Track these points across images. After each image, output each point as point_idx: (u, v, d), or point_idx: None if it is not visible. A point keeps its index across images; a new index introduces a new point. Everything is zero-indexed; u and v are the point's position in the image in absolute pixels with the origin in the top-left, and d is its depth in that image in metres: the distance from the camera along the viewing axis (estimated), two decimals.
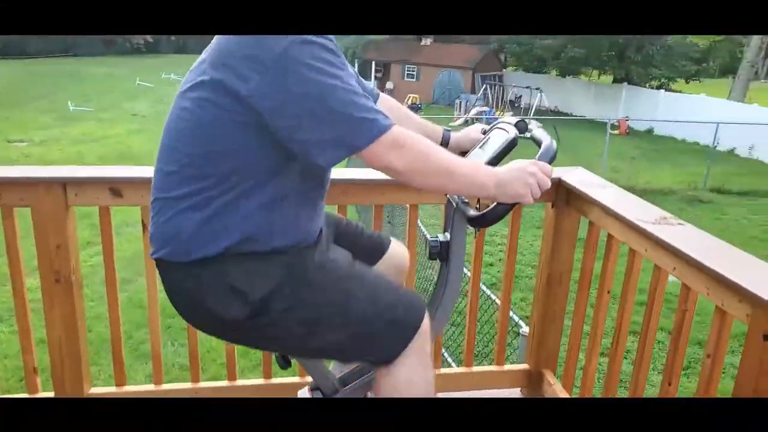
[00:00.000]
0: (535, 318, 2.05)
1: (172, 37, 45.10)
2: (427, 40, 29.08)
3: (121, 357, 1.87)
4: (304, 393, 1.52)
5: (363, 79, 1.41)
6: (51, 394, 1.82)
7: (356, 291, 1.27)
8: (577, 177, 1.84)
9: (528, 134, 1.40)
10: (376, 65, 27.39)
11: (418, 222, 1.91)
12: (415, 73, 27.54)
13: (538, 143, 1.33)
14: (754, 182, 12.59)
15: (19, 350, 1.78)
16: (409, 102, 23.08)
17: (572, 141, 14.32)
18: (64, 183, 1.65)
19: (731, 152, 15.97)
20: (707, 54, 29.42)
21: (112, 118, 18.19)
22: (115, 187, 1.69)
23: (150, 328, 1.88)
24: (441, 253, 1.44)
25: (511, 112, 20.96)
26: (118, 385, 1.90)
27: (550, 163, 1.25)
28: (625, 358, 1.76)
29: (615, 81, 25.13)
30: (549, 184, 1.22)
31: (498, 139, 1.37)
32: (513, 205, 1.23)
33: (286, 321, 1.22)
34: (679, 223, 1.44)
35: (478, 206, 1.38)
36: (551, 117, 19.11)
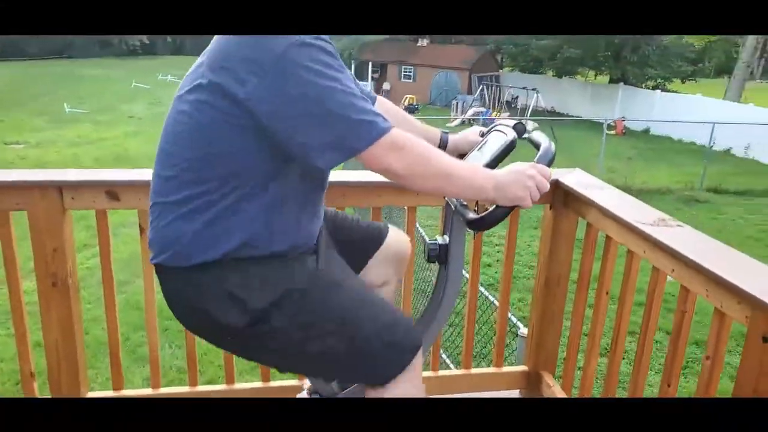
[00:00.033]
0: (533, 319, 2.05)
1: (169, 39, 45.07)
2: (423, 41, 29.10)
3: (118, 360, 1.87)
4: (302, 396, 1.51)
5: (359, 82, 1.40)
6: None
7: (356, 308, 1.27)
8: (575, 178, 1.84)
9: (526, 135, 1.40)
10: (372, 66, 27.40)
11: (416, 224, 1.90)
12: (411, 74, 27.56)
13: (537, 146, 1.32)
14: (750, 182, 12.63)
15: (16, 354, 1.77)
16: (406, 103, 23.10)
17: (569, 141, 14.34)
18: (60, 187, 1.65)
19: (727, 152, 16.02)
20: (703, 54, 29.53)
21: (109, 120, 18.15)
22: (112, 191, 1.68)
23: (147, 331, 1.87)
24: (440, 256, 1.44)
25: (508, 113, 21.01)
26: (115, 388, 1.89)
27: (548, 165, 1.25)
28: (624, 359, 1.75)
29: (611, 81, 25.20)
30: (548, 187, 1.22)
31: (496, 142, 1.37)
32: (512, 208, 1.23)
33: (284, 333, 1.21)
34: (678, 225, 1.44)
35: (476, 209, 1.38)
36: (548, 117, 19.14)
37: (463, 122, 19.51)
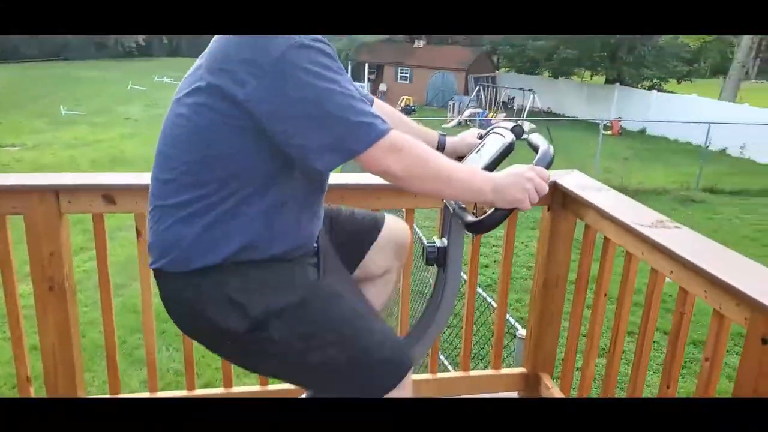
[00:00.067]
0: (531, 321, 2.05)
1: (165, 40, 45.01)
2: (419, 42, 29.14)
3: (115, 363, 1.86)
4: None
5: (356, 83, 1.40)
6: None
7: (355, 319, 1.27)
8: (573, 180, 1.84)
9: (524, 135, 1.40)
10: (369, 67, 27.41)
11: (414, 226, 1.90)
12: (408, 75, 27.58)
13: (535, 149, 1.32)
14: (746, 182, 12.67)
15: (11, 357, 1.76)
16: (403, 104, 23.11)
17: (565, 142, 14.36)
18: (57, 190, 1.64)
19: (723, 152, 16.07)
20: (698, 54, 29.62)
21: (105, 122, 18.11)
22: (109, 194, 1.67)
23: (144, 334, 1.86)
24: (438, 259, 1.44)
25: (504, 114, 21.03)
26: (112, 392, 1.89)
27: (547, 168, 1.25)
28: (622, 359, 1.75)
29: (607, 82, 25.26)
30: (546, 189, 1.22)
31: (494, 144, 1.37)
32: (511, 210, 1.23)
33: (284, 342, 1.21)
34: (676, 226, 1.44)
35: (475, 211, 1.38)
36: (544, 118, 19.17)
37: (459, 123, 19.53)
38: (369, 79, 27.50)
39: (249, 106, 1.09)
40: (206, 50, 1.19)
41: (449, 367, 3.95)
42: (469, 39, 30.34)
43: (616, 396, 1.75)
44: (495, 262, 7.09)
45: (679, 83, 26.74)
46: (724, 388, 1.38)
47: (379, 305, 1.56)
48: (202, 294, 1.20)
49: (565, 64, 24.89)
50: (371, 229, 1.51)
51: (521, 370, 2.10)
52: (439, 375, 2.08)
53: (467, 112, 20.94)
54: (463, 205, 1.39)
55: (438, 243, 1.45)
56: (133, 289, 5.80)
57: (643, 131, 20.21)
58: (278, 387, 1.94)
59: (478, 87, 24.04)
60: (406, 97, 24.46)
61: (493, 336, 2.15)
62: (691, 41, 25.70)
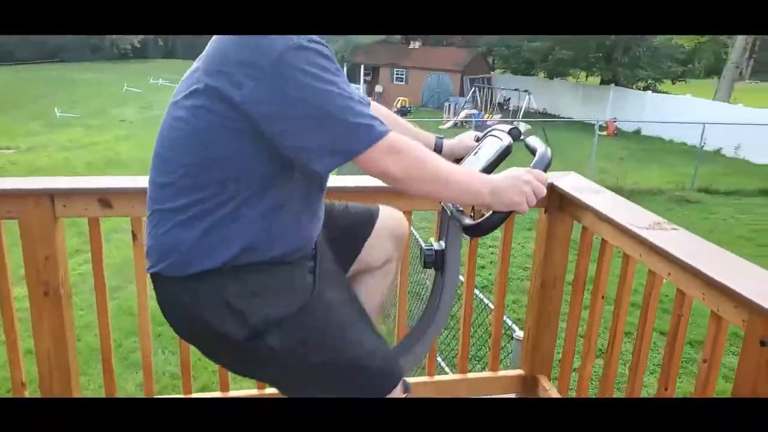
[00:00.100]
0: (529, 323, 2.05)
1: (160, 42, 44.91)
2: (415, 44, 29.17)
3: (110, 367, 1.85)
4: None
5: (351, 85, 1.40)
6: None
7: (345, 330, 1.28)
8: (570, 182, 1.84)
9: (522, 138, 1.40)
10: (364, 69, 27.43)
11: (411, 228, 1.90)
12: (403, 76, 27.60)
13: (533, 151, 1.32)
14: (741, 182, 12.73)
15: (6, 361, 1.75)
16: (399, 105, 23.13)
17: (561, 143, 14.38)
18: (52, 195, 1.63)
19: (717, 152, 16.13)
20: (692, 55, 29.72)
21: (100, 125, 18.05)
22: (104, 198, 1.66)
23: (140, 337, 1.85)
24: (436, 262, 1.44)
25: (500, 115, 21.07)
26: (108, 395, 1.88)
27: (545, 170, 1.25)
28: (619, 360, 1.75)
29: (602, 82, 25.34)
30: (544, 192, 1.22)
31: (492, 147, 1.37)
32: (509, 213, 1.22)
33: (284, 349, 1.20)
34: (673, 228, 1.44)
35: (472, 214, 1.37)
36: (540, 119, 19.21)
37: (455, 124, 19.56)
38: (365, 81, 27.51)
39: (247, 108, 1.08)
40: (203, 53, 1.18)
41: (447, 369, 3.95)
42: (465, 40, 30.39)
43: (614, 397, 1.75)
44: (491, 263, 7.09)
45: (673, 84, 26.84)
46: (720, 388, 1.38)
47: (379, 296, 1.56)
48: (200, 299, 1.19)
49: (560, 65, 24.95)
50: (366, 224, 1.50)
51: (519, 372, 2.10)
52: (437, 378, 2.08)
53: (463, 114, 20.97)
54: (461, 208, 1.39)
55: (435, 246, 1.45)
56: (129, 292, 5.79)
57: (638, 132, 20.26)
58: (276, 390, 1.93)
59: (473, 88, 24.09)
60: (402, 98, 24.48)
61: (490, 337, 2.15)
62: (686, 42, 25.79)
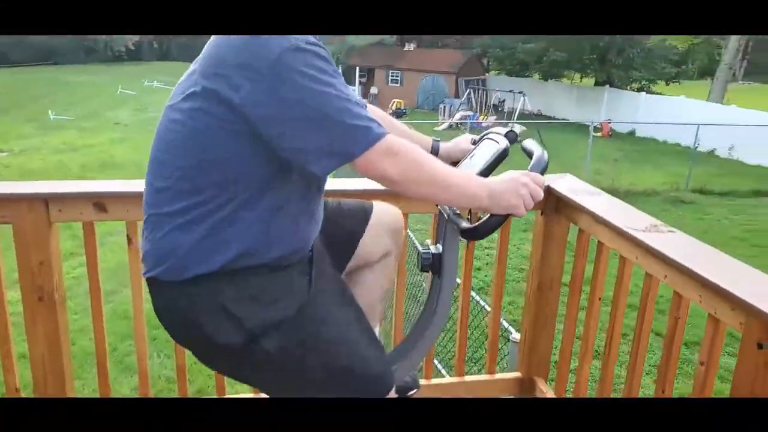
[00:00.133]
0: (526, 325, 2.05)
1: (155, 44, 44.79)
2: (410, 45, 29.21)
3: (105, 371, 1.84)
4: None
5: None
6: None
7: (340, 336, 1.27)
8: (566, 184, 1.84)
9: (518, 139, 1.40)
10: (360, 71, 27.41)
11: (408, 231, 1.89)
12: (399, 78, 27.62)
13: (530, 154, 1.32)
14: (735, 182, 12.79)
15: (0, 366, 1.74)
16: (394, 107, 23.13)
17: (556, 144, 14.42)
18: (47, 199, 1.62)
19: (711, 153, 16.20)
20: (686, 56, 29.86)
21: (94, 127, 17.98)
22: (100, 202, 1.65)
23: (136, 340, 1.84)
24: (433, 265, 1.43)
25: (495, 117, 21.11)
26: None
27: (542, 173, 1.25)
28: (616, 362, 1.76)
29: (597, 84, 25.41)
30: (542, 195, 1.22)
31: (488, 150, 1.37)
32: (506, 217, 1.22)
33: (282, 353, 1.20)
34: (670, 231, 1.44)
35: (469, 217, 1.37)
36: (534, 121, 19.26)
37: (450, 126, 19.57)
38: (360, 83, 27.49)
39: (245, 110, 1.08)
40: (200, 55, 1.18)
41: (443, 372, 3.95)
42: (459, 42, 30.47)
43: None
44: (487, 264, 7.09)
45: (667, 85, 26.96)
46: (717, 388, 1.38)
47: (379, 291, 1.56)
48: (197, 303, 1.18)
49: (554, 66, 25.01)
50: (360, 220, 1.50)
51: (516, 374, 2.10)
52: (434, 381, 2.07)
53: (458, 115, 21.00)
54: (458, 211, 1.39)
55: (432, 249, 1.44)
56: (124, 296, 5.76)
57: (632, 133, 20.34)
58: None
59: (468, 90, 24.14)
60: (397, 100, 24.49)
61: (486, 339, 2.15)
62: (679, 43, 25.91)
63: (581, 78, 28.73)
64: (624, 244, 1.51)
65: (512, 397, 2.10)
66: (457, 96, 25.05)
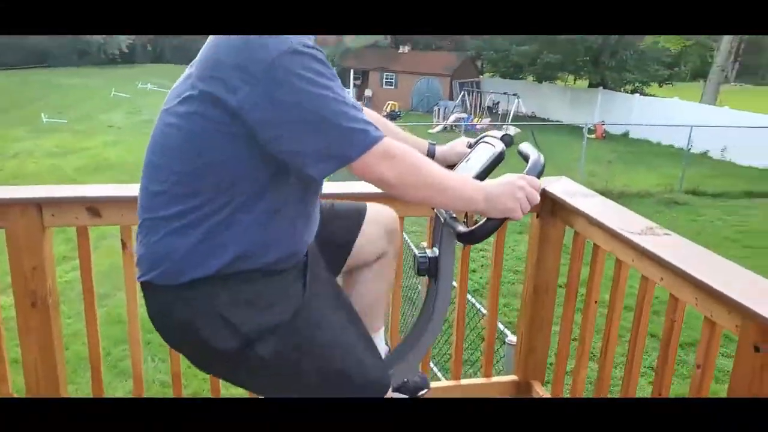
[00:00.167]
0: (522, 328, 2.05)
1: (148, 47, 44.65)
2: (404, 48, 29.25)
3: (99, 376, 1.82)
4: None
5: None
6: None
7: (335, 340, 1.27)
8: (562, 187, 1.84)
9: (510, 138, 1.40)
10: (354, 73, 27.44)
11: (404, 234, 1.89)
12: (393, 80, 27.65)
13: (526, 158, 1.32)
14: (727, 184, 12.86)
15: None
16: (388, 109, 23.16)
17: (550, 146, 14.44)
18: (40, 204, 1.60)
19: (704, 155, 16.28)
20: (679, 58, 30.05)
21: (88, 130, 17.90)
22: (93, 207, 1.64)
23: (130, 345, 1.83)
24: (430, 269, 1.43)
25: (489, 119, 21.15)
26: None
27: (538, 177, 1.25)
28: (615, 367, 1.76)
29: (590, 86, 25.50)
30: (538, 198, 1.22)
31: (484, 154, 1.37)
32: (503, 220, 1.22)
33: (278, 356, 1.19)
34: (666, 233, 1.44)
35: (465, 221, 1.37)
36: (529, 123, 19.31)
37: (445, 128, 19.60)
38: (354, 85, 27.52)
39: (242, 113, 1.07)
40: (196, 59, 1.17)
41: (440, 375, 3.95)
42: (454, 44, 30.52)
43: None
44: (482, 266, 7.11)
45: (660, 87, 27.07)
46: (712, 389, 1.39)
47: (378, 292, 1.55)
48: (192, 308, 1.17)
49: (548, 68, 25.08)
50: (354, 221, 1.49)
51: (512, 377, 2.10)
52: (431, 384, 2.06)
53: (452, 117, 21.03)
54: (454, 215, 1.38)
55: (429, 253, 1.44)
56: (117, 299, 5.73)
57: (626, 134, 20.41)
58: None
59: (462, 92, 24.18)
60: (392, 102, 24.51)
61: (482, 342, 2.15)
62: (672, 45, 26.07)
63: (575, 80, 28.83)
64: (620, 246, 1.52)
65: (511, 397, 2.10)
66: (451, 98, 25.09)
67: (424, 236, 1.58)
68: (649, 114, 19.54)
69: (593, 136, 18.22)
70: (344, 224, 1.48)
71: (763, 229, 9.95)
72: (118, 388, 4.63)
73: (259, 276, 1.20)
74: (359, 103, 1.48)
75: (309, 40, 1.11)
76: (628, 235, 1.44)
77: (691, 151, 13.51)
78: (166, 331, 1.24)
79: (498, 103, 24.02)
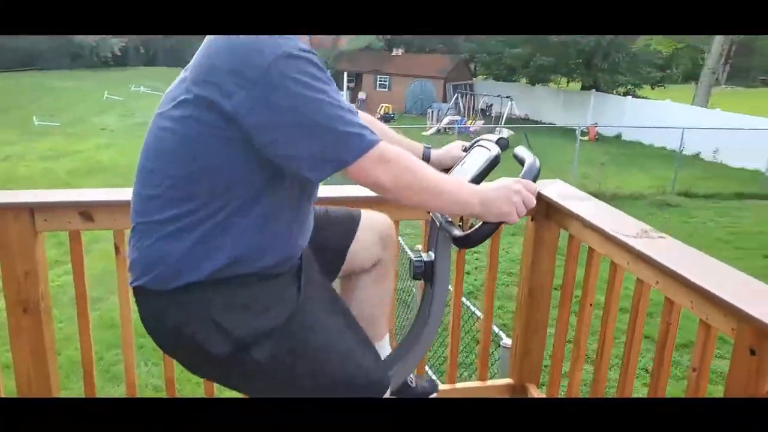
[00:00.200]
0: (517, 331, 2.05)
1: (141, 49, 44.50)
2: (398, 51, 29.30)
3: (92, 381, 1.81)
4: None
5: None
6: None
7: (332, 341, 1.27)
8: (556, 190, 1.84)
9: (506, 142, 1.40)
10: (348, 75, 27.44)
11: (399, 238, 1.89)
12: (387, 83, 27.68)
13: (521, 162, 1.32)
14: (719, 185, 12.94)
15: None
16: (382, 112, 23.17)
17: (543, 148, 14.52)
18: (32, 208, 1.59)
19: (696, 156, 16.37)
20: (670, 61, 30.20)
21: (80, 133, 17.81)
22: (86, 212, 1.63)
23: (123, 349, 1.82)
24: (425, 273, 1.43)
25: (483, 121, 21.21)
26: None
27: (534, 180, 1.25)
28: (609, 369, 1.76)
29: (583, 88, 25.61)
30: (534, 202, 1.22)
31: (480, 157, 1.36)
32: (499, 224, 1.22)
33: (273, 361, 1.19)
34: (660, 236, 1.44)
35: (461, 224, 1.37)
36: (522, 125, 19.37)
37: (438, 131, 19.62)
38: (348, 87, 27.52)
39: (237, 117, 1.07)
40: (191, 63, 1.16)
41: (433, 376, 3.94)
42: (447, 47, 30.60)
43: None
44: (476, 268, 7.10)
45: (652, 89, 27.23)
46: (707, 391, 1.40)
47: (377, 300, 1.54)
48: (185, 312, 1.17)
49: (541, 71, 25.18)
50: (348, 227, 1.49)
51: (508, 381, 2.10)
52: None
53: (446, 120, 21.06)
54: (450, 219, 1.38)
55: (425, 257, 1.44)
56: (110, 303, 5.69)
57: (618, 136, 20.51)
58: None
59: (456, 95, 24.24)
60: (385, 105, 24.53)
61: (477, 344, 2.15)
62: (663, 48, 26.23)
63: (568, 82, 28.96)
64: (615, 249, 1.52)
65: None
66: (444, 101, 25.14)
67: (418, 239, 1.57)
68: (641, 116, 19.66)
69: (586, 138, 18.29)
70: (338, 230, 1.48)
71: (755, 230, 10.03)
72: (111, 393, 4.60)
73: (255, 280, 1.19)
74: (354, 106, 1.48)
75: (304, 43, 1.10)
76: (623, 238, 1.44)
77: (684, 152, 13.59)
78: (159, 336, 1.23)
79: (491, 105, 24.10)
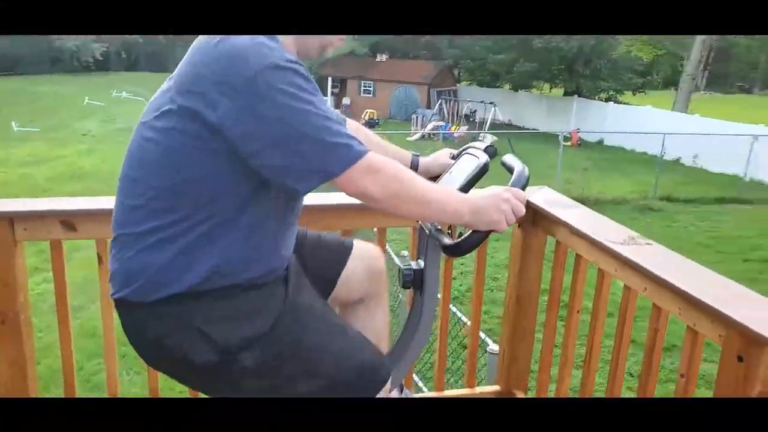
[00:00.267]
0: (504, 337, 2.05)
1: (123, 54, 44.09)
2: (382, 56, 29.37)
3: (73, 392, 1.77)
4: None
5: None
6: None
7: (331, 336, 1.25)
8: (543, 197, 1.85)
9: (494, 149, 1.40)
10: (332, 81, 27.44)
11: (387, 246, 1.88)
12: (371, 88, 27.72)
13: (510, 170, 1.32)
14: (700, 190, 13.13)
15: None
16: (366, 117, 23.19)
17: (527, 154, 14.59)
18: (11, 218, 1.55)
19: (677, 161, 16.61)
20: (651, 67, 30.62)
21: (61, 138, 17.56)
22: (68, 221, 1.59)
23: (106, 359, 1.78)
24: (415, 281, 1.42)
25: (467, 127, 21.31)
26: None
27: (523, 189, 1.25)
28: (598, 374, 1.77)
29: (566, 94, 25.87)
30: (523, 210, 1.21)
31: (468, 165, 1.36)
32: (488, 232, 1.21)
33: (260, 367, 1.17)
34: (647, 243, 1.45)
35: (449, 232, 1.36)
36: (505, 131, 19.50)
37: (423, 136, 19.69)
38: (332, 93, 27.51)
39: (222, 129, 1.05)
40: (175, 72, 1.15)
41: (420, 382, 3.93)
42: (431, 53, 30.73)
43: None
44: (462, 273, 7.11)
45: (634, 95, 27.57)
46: (694, 394, 1.42)
47: (374, 329, 1.52)
48: (168, 324, 1.15)
49: (524, 77, 25.39)
50: (339, 256, 1.47)
51: (495, 388, 2.09)
52: (413, 396, 2.05)
53: (430, 126, 21.14)
54: (439, 227, 1.38)
55: (414, 265, 1.43)
56: (92, 312, 5.60)
57: (600, 142, 20.74)
58: None
59: (440, 100, 24.35)
60: (370, 110, 24.56)
61: (464, 350, 2.14)
62: (644, 54, 26.56)
63: (550, 88, 29.22)
64: (602, 256, 1.52)
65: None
66: (429, 106, 25.23)
67: (403, 245, 1.56)
68: (623, 121, 19.91)
69: (569, 143, 18.46)
70: (329, 255, 1.47)
71: (734, 234, 10.18)
72: None
73: (239, 291, 1.18)
74: (342, 115, 1.47)
75: (291, 54, 1.09)
76: (610, 245, 1.45)
77: (664, 158, 13.78)
78: (141, 347, 1.21)
79: (475, 111, 24.23)
